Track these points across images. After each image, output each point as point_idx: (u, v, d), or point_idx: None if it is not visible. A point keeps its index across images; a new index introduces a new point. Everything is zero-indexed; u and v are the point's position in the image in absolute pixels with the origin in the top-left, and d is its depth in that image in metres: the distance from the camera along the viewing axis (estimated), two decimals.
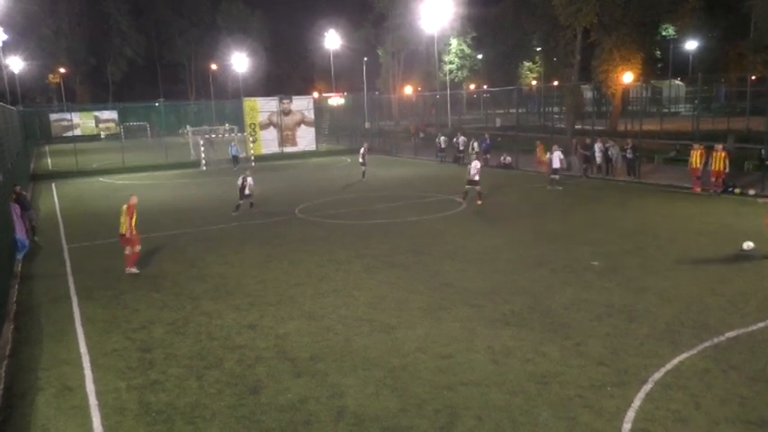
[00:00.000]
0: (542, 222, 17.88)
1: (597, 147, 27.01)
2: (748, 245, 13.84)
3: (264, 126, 41.45)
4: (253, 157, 38.67)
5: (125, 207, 13.65)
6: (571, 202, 21.30)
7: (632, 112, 48.74)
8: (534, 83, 71.42)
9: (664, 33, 54.72)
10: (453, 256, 14.36)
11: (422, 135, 48.38)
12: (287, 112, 42.26)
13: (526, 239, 15.75)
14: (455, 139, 35.17)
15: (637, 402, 7.33)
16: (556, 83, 51.81)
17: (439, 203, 21.70)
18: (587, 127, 38.82)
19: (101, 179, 33.84)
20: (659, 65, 55.14)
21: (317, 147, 43.55)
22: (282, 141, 41.87)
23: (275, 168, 35.34)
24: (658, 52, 54.45)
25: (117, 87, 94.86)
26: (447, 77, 70.50)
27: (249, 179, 20.86)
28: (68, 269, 14.71)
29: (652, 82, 51.85)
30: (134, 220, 13.66)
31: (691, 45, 69.17)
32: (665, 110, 57.28)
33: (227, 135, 42.01)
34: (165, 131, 56.07)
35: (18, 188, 18.21)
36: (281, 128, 41.92)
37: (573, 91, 44.30)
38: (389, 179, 28.81)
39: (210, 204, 23.48)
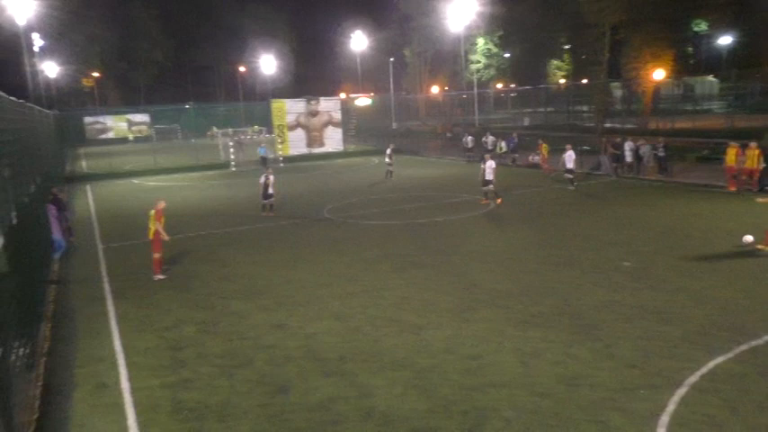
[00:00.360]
0: (571, 222, 17.66)
1: (627, 145, 26.56)
2: (747, 239, 13.77)
3: (292, 127, 41.75)
4: (281, 158, 39.02)
5: (153, 212, 13.62)
6: (601, 201, 20.99)
7: (663, 110, 47.82)
8: (562, 81, 70.60)
9: (696, 29, 53.56)
10: (481, 256, 14.27)
11: (449, 135, 48.22)
12: (314, 114, 42.49)
13: (555, 240, 15.58)
14: (484, 139, 34.96)
15: (670, 406, 7.18)
16: (584, 81, 51.13)
17: (466, 204, 21.59)
18: (616, 125, 38.20)
19: (133, 181, 34.47)
20: (691, 61, 53.98)
21: (344, 147, 43.71)
22: (310, 142, 42.11)
23: (303, 169, 35.57)
24: (690, 48, 53.34)
25: (148, 91, 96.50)
26: (474, 77, 70.12)
27: (271, 177, 20.92)
28: (103, 269, 15.02)
29: (684, 79, 50.81)
30: (162, 223, 13.68)
31: (724, 40, 67.58)
32: (698, 107, 56.06)
33: (256, 136, 42.50)
34: (195, 133, 56.89)
35: (55, 190, 18.68)
36: (309, 129, 42.17)
37: (602, 89, 43.63)
38: (417, 179, 28.76)
39: (240, 205, 23.73)
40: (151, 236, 13.61)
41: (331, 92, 69.71)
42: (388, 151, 29.63)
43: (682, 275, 12.13)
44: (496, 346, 9.12)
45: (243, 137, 41.48)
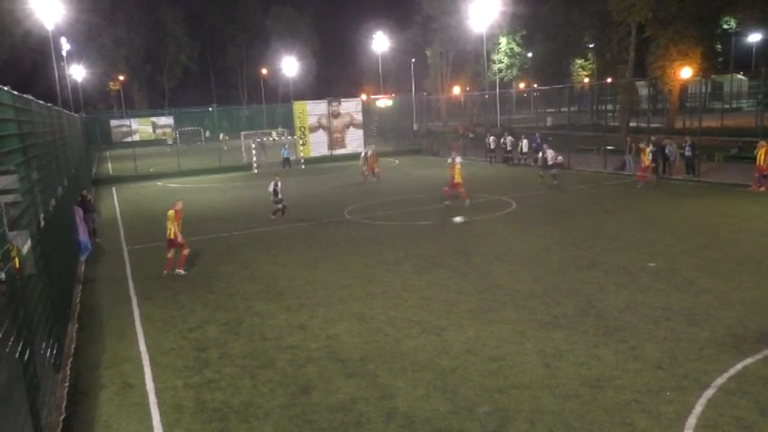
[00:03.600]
0: (595, 223, 17.47)
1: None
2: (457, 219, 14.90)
3: (314, 129, 41.99)
4: (302, 160, 39.25)
5: (172, 212, 14.13)
6: (626, 201, 20.74)
7: (690, 109, 47.02)
8: (586, 80, 69.84)
9: (725, 26, 52.54)
10: (503, 256, 14.20)
11: (471, 135, 48.05)
12: (336, 115, 42.68)
13: (578, 240, 15.43)
14: (502, 140, 34.80)
15: (698, 408, 7.07)
16: (609, 80, 50.54)
17: (488, 204, 21.49)
18: (642, 125, 37.68)
19: (158, 183, 34.97)
20: (720, 59, 52.94)
21: (365, 149, 43.79)
22: (332, 144, 42.31)
23: (325, 171, 35.74)
24: (719, 46, 52.33)
25: (172, 93, 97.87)
26: (496, 77, 69.75)
27: (279, 183, 20.63)
28: (128, 270, 15.26)
29: (712, 77, 49.92)
30: (179, 224, 14.25)
31: (754, 38, 66.23)
32: (727, 105, 55.03)
33: (279, 138, 42.85)
34: (219, 136, 57.49)
35: (84, 192, 19.07)
36: (331, 130, 42.37)
37: (627, 88, 43.07)
38: (438, 180, 28.65)
39: (261, 207, 23.94)
40: (171, 236, 14.11)
41: (352, 93, 69.92)
42: (369, 152, 29.89)
43: (709, 276, 11.93)
44: (519, 347, 9.07)
45: (265, 138, 41.75)
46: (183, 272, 14.41)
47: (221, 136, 58.25)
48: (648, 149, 23.53)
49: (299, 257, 15.32)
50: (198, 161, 42.31)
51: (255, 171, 37.18)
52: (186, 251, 14.56)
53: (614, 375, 8.01)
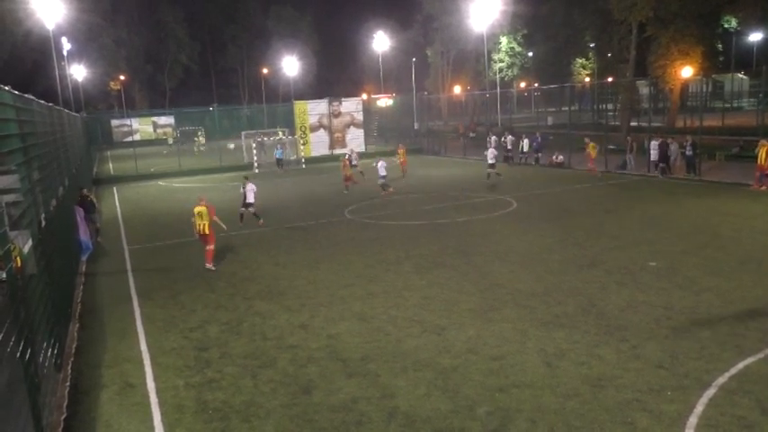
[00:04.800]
0: (596, 222, 17.46)
1: (652, 144, 26.17)
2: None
3: (314, 128, 41.97)
4: (303, 160, 39.23)
5: (203, 208, 14.61)
6: (627, 200, 20.72)
7: (692, 108, 46.99)
8: (587, 80, 69.82)
9: (725, 25, 52.48)
10: (504, 256, 14.20)
11: (472, 135, 48.06)
12: (336, 114, 42.67)
13: (579, 239, 15.42)
14: (503, 139, 34.80)
15: (699, 408, 7.06)
16: (610, 79, 50.53)
17: (488, 204, 21.50)
18: (643, 124, 37.65)
19: (159, 182, 34.98)
20: (721, 58, 52.90)
21: (366, 148, 43.75)
22: (332, 143, 42.30)
23: (325, 170, 35.72)
24: (720, 45, 52.28)
25: (173, 93, 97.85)
26: (497, 76, 69.73)
27: (249, 185, 19.81)
28: (129, 270, 15.28)
29: (713, 76, 49.87)
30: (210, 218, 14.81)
31: (755, 37, 66.18)
32: (728, 105, 54.98)
33: (280, 137, 42.85)
34: (219, 135, 57.51)
35: (85, 191, 19.08)
36: (331, 130, 42.36)
37: (628, 87, 43.06)
38: (438, 180, 28.71)
39: (261, 207, 23.94)
40: (207, 230, 14.56)
41: (353, 93, 69.87)
42: (354, 153, 30.51)
43: (710, 275, 11.92)
44: (520, 346, 9.06)
45: (265, 138, 41.77)
46: (212, 267, 14.63)
47: (197, 139, 58.75)
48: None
49: (300, 257, 15.33)
50: (198, 161, 42.33)
51: (257, 171, 37.17)
52: (212, 246, 14.83)
53: (615, 375, 8.01)
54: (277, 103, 79.36)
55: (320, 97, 49.16)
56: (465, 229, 17.41)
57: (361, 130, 43.61)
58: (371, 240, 16.72)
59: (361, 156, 42.08)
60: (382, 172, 24.82)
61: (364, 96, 55.72)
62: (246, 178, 20.50)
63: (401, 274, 13.25)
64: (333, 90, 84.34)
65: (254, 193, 19.84)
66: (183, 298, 12.58)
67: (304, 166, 38.55)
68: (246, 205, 19.85)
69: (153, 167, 41.23)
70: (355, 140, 43.00)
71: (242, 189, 19.86)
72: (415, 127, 50.03)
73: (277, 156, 37.32)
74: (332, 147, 42.04)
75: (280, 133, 46.22)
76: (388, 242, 16.35)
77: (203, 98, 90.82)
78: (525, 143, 32.91)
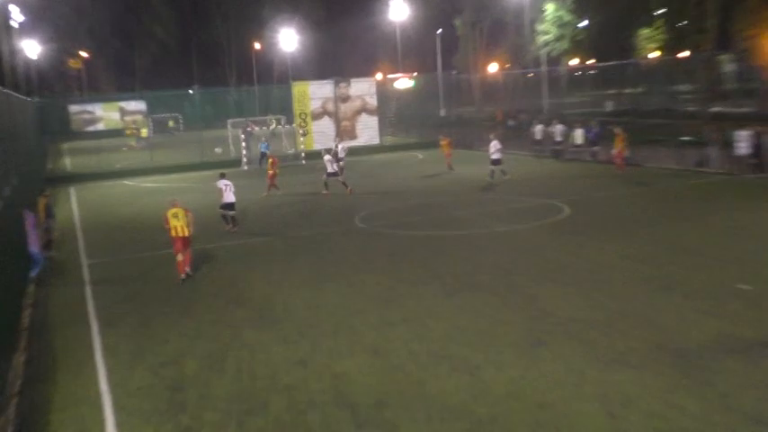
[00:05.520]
0: (670, 233, 17.22)
1: (741, 135, 25.80)
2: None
3: (317, 116, 42.14)
4: (303, 155, 39.33)
5: (180, 210, 15.38)
6: (709, 205, 20.45)
7: None
8: (655, 55, 69.36)
9: None
10: (554, 275, 14.03)
11: (512, 123, 47.86)
12: (345, 99, 42.79)
13: (649, 255, 15.19)
14: (551, 128, 34.65)
15: None
16: (684, 54, 50.08)
17: (534, 209, 21.35)
18: (728, 109, 37.25)
19: (126, 182, 35.24)
20: None
21: (381, 140, 43.83)
22: (339, 134, 42.39)
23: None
24: None
25: (145, 74, 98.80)
26: (542, 51, 69.47)
27: (223, 182, 20.22)
28: (88, 290, 15.28)
29: None
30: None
31: None
32: None
33: (278, 126, 43.12)
34: (202, 124, 57.86)
35: (46, 195, 19.42)
36: (338, 118, 42.47)
37: (708, 64, 42.57)
38: (471, 179, 28.57)
39: (252, 212, 23.95)
40: (186, 233, 15.29)
41: (365, 72, 70.08)
42: (340, 146, 30.95)
43: None
44: (575, 390, 8.89)
45: (255, 127, 42.03)
46: (190, 272, 15.58)
47: (135, 131, 59.78)
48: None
49: (299, 275, 15.27)
50: (175, 155, 42.58)
51: (245, 168, 37.31)
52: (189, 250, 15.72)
53: (699, 430, 7.80)
54: (271, 85, 79.93)
55: (325, 77, 49.36)
56: (505, 241, 17.29)
57: (375, 118, 43.75)
58: (388, 255, 16.64)
59: (377, 149, 42.26)
60: (329, 167, 26.46)
61: (379, 77, 55.85)
62: (223, 174, 20.87)
63: (425, 297, 13.14)
64: (340, 69, 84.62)
65: (233, 191, 20.37)
66: (154, 325, 12.54)
67: (304, 162, 38.64)
68: (226, 207, 20.30)
69: (118, 163, 41.59)
70: (368, 131, 43.13)
71: (222, 187, 20.29)
72: (442, 114, 50.02)
73: (262, 149, 37.50)
74: (339, 137, 42.02)
75: (273, 122, 46.43)
76: (408, 257, 16.26)
77: (182, 80, 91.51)
78: (578, 134, 32.70)
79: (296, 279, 14.99)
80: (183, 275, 15.26)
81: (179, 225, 15.19)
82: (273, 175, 27.11)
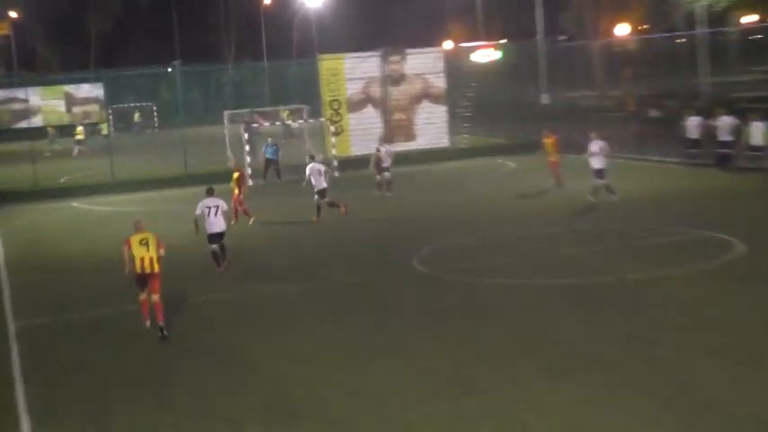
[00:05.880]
0: None
1: None
2: None
3: (357, 105, 42.44)
4: (335, 163, 39.39)
5: (151, 236, 16.24)
6: None
7: None
8: None
9: None
10: (718, 348, 13.79)
11: (654, 114, 47.33)
12: (398, 79, 43.06)
13: None
14: (714, 122, 34.11)
15: None
16: None
17: (687, 246, 21.23)
18: None
19: (74, 203, 35.90)
20: None
21: (451, 141, 43.82)
22: (390, 133, 42.47)
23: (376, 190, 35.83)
24: None
25: (104, 43, 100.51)
26: (696, 4, 68.83)
27: (207, 202, 20.76)
28: (16, 367, 15.42)
29: None
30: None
31: None
32: None
33: (289, 124, 43.48)
34: (187, 118, 58.68)
35: None
36: (388, 107, 42.62)
37: None
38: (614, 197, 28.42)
39: (260, 249, 24.13)
40: (154, 267, 16.07)
41: (427, 40, 70.46)
42: (383, 149, 32.01)
43: None
44: None
45: (264, 122, 42.47)
46: (166, 332, 16.09)
47: (51, 132, 61.15)
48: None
49: (330, 344, 15.25)
50: (147, 164, 43.18)
51: (250, 183, 37.61)
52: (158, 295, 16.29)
53: None
54: (289, 61, 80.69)
55: (367, 48, 49.68)
56: (642, 295, 17.15)
57: (443, 108, 43.82)
58: (463, 314, 16.59)
59: (445, 155, 42.20)
60: (318, 181, 27.30)
61: (448, 46, 56.03)
62: (211, 191, 21.35)
63: (519, 379, 13.05)
64: (391, 35, 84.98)
65: (225, 213, 20.91)
66: (116, 417, 12.64)
67: (337, 173, 38.78)
68: (214, 237, 20.73)
69: (64, 176, 42.29)
70: (432, 128, 43.25)
71: (200, 211, 20.81)
72: (544, 100, 49.77)
73: (268, 155, 37.80)
74: (389, 139, 42.02)
75: (287, 115, 46.94)
76: (494, 318, 16.18)
77: (157, 52, 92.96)
78: (757, 130, 32.17)
79: (325, 350, 14.95)
80: (158, 329, 15.91)
81: (147, 256, 15.70)
82: (240, 198, 27.58)
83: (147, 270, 15.72)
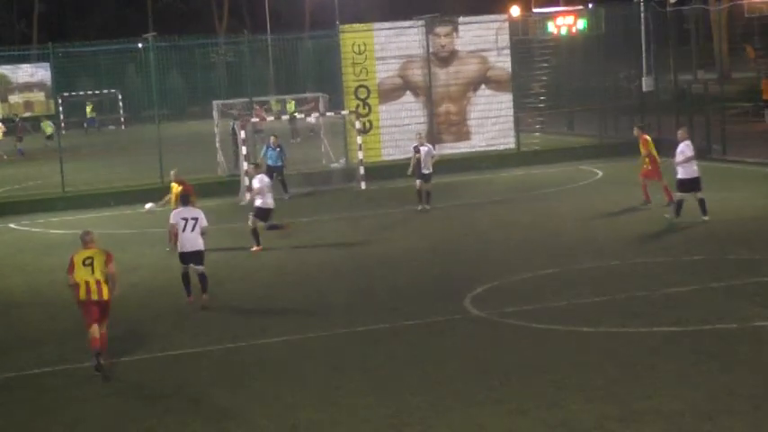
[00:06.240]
0: None
1: None
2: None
3: (390, 93, 42.54)
4: (362, 171, 39.43)
5: (99, 252, 16.57)
6: None
7: None
8: None
9: None
10: None
11: None
12: (446, 58, 43.14)
13: None
14: None
15: None
16: None
17: None
18: None
19: (11, 225, 36.23)
20: None
21: (518, 142, 43.86)
22: (435, 129, 42.56)
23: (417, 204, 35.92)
24: None
25: (51, 13, 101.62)
26: None
27: (185, 212, 21.50)
28: None
29: None
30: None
31: None
32: None
33: (294, 117, 43.73)
34: (163, 111, 59.16)
35: None
36: (433, 96, 42.73)
37: None
38: (713, 217, 28.36)
39: (261, 288, 24.25)
40: (102, 294, 16.72)
41: (484, 6, 70.66)
42: (424, 150, 32.22)
43: None
44: None
45: (266, 117, 42.76)
46: (103, 360, 16.96)
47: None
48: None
49: (357, 410, 15.22)
50: (108, 173, 43.50)
51: (247, 197, 37.88)
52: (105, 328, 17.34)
53: None
54: (301, 34, 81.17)
55: (405, 16, 49.88)
56: None
57: (508, 97, 43.85)
58: (534, 370, 16.47)
59: (511, 159, 42.23)
60: (264, 200, 27.93)
61: (515, 12, 56.22)
62: (186, 199, 22.33)
63: None
64: (437, 1, 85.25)
65: (204, 228, 21.52)
66: None
67: (363, 184, 38.92)
68: (187, 257, 21.41)
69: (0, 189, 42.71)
70: (493, 123, 43.19)
71: (175, 220, 21.57)
72: (646, 86, 49.71)
73: (270, 162, 37.85)
74: (435, 138, 42.02)
75: (289, 107, 47.19)
76: (575, 376, 16.04)
77: (123, 23, 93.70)
78: None
79: (350, 418, 15.05)
80: (95, 356, 16.68)
81: (92, 279, 16.08)
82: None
83: (94, 297, 16.13)
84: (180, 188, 28.33)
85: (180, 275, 21.75)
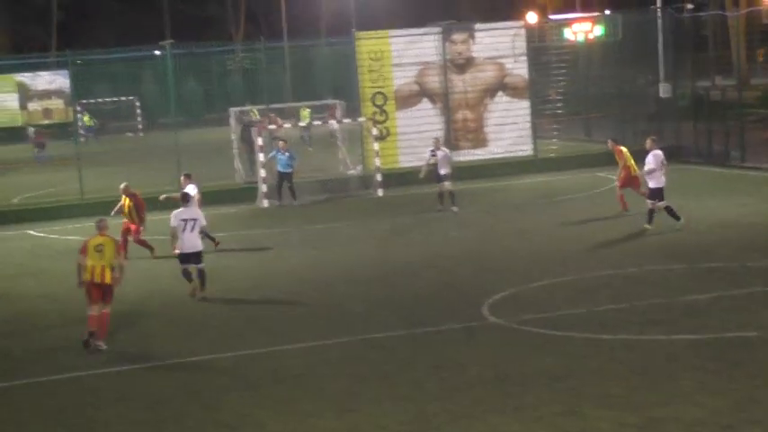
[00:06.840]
0: None
1: None
2: None
3: (407, 99, 42.51)
4: (379, 179, 39.34)
5: (110, 240, 17.53)
6: None
7: None
8: None
9: None
10: None
11: None
12: (464, 64, 43.10)
13: None
14: None
15: None
16: None
17: None
18: None
19: (31, 232, 36.34)
20: None
21: (535, 149, 43.77)
22: (452, 136, 42.51)
23: (435, 203, 35.84)
24: None
25: (69, 21, 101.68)
26: None
27: (185, 213, 21.95)
28: None
29: None
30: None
31: None
32: None
33: (304, 123, 43.67)
34: (181, 118, 59.23)
35: None
36: (450, 103, 42.68)
37: None
38: (726, 224, 28.29)
39: (277, 296, 24.24)
40: (105, 278, 17.31)
41: (503, 12, 70.56)
42: (440, 153, 32.12)
43: None
44: None
45: (283, 124, 42.78)
46: (103, 345, 18.43)
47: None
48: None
49: (375, 423, 15.27)
50: (127, 179, 43.59)
51: (265, 204, 37.82)
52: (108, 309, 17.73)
53: None
54: (317, 40, 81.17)
55: (422, 23, 49.86)
56: None
57: (525, 104, 43.80)
58: (553, 379, 16.46)
59: (529, 166, 42.18)
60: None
61: (532, 18, 56.18)
62: (186, 198, 23.19)
63: None
64: (453, 5, 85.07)
65: (203, 226, 22.24)
66: None
67: (381, 192, 38.86)
68: (187, 258, 21.87)
69: (17, 196, 42.75)
70: (510, 130, 43.18)
71: (177, 223, 21.98)
72: (663, 93, 49.62)
73: (280, 167, 37.65)
74: (453, 144, 41.97)
75: (304, 114, 47.17)
76: (594, 386, 16.03)
77: (141, 30, 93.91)
78: None
79: (362, 427, 15.01)
80: (97, 342, 17.40)
81: (98, 265, 16.97)
82: (133, 230, 28.69)
83: (98, 279, 16.84)
84: (131, 201, 28.91)
85: (180, 273, 22.28)
